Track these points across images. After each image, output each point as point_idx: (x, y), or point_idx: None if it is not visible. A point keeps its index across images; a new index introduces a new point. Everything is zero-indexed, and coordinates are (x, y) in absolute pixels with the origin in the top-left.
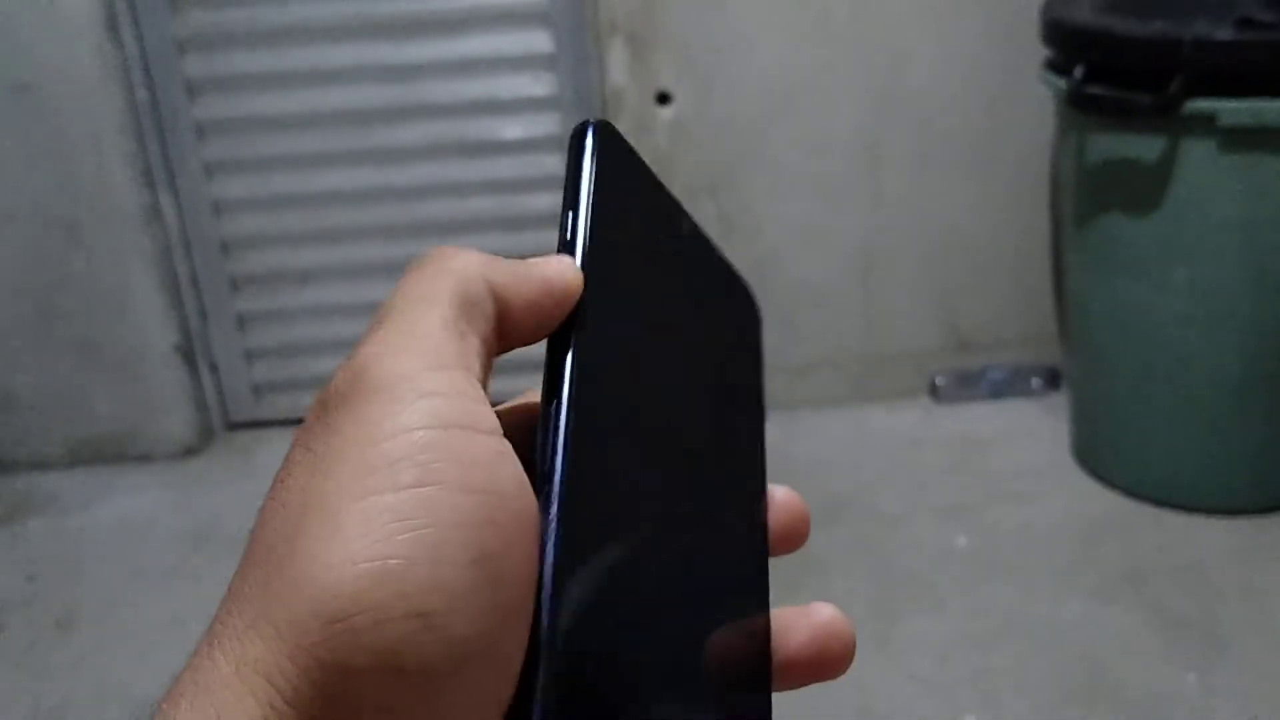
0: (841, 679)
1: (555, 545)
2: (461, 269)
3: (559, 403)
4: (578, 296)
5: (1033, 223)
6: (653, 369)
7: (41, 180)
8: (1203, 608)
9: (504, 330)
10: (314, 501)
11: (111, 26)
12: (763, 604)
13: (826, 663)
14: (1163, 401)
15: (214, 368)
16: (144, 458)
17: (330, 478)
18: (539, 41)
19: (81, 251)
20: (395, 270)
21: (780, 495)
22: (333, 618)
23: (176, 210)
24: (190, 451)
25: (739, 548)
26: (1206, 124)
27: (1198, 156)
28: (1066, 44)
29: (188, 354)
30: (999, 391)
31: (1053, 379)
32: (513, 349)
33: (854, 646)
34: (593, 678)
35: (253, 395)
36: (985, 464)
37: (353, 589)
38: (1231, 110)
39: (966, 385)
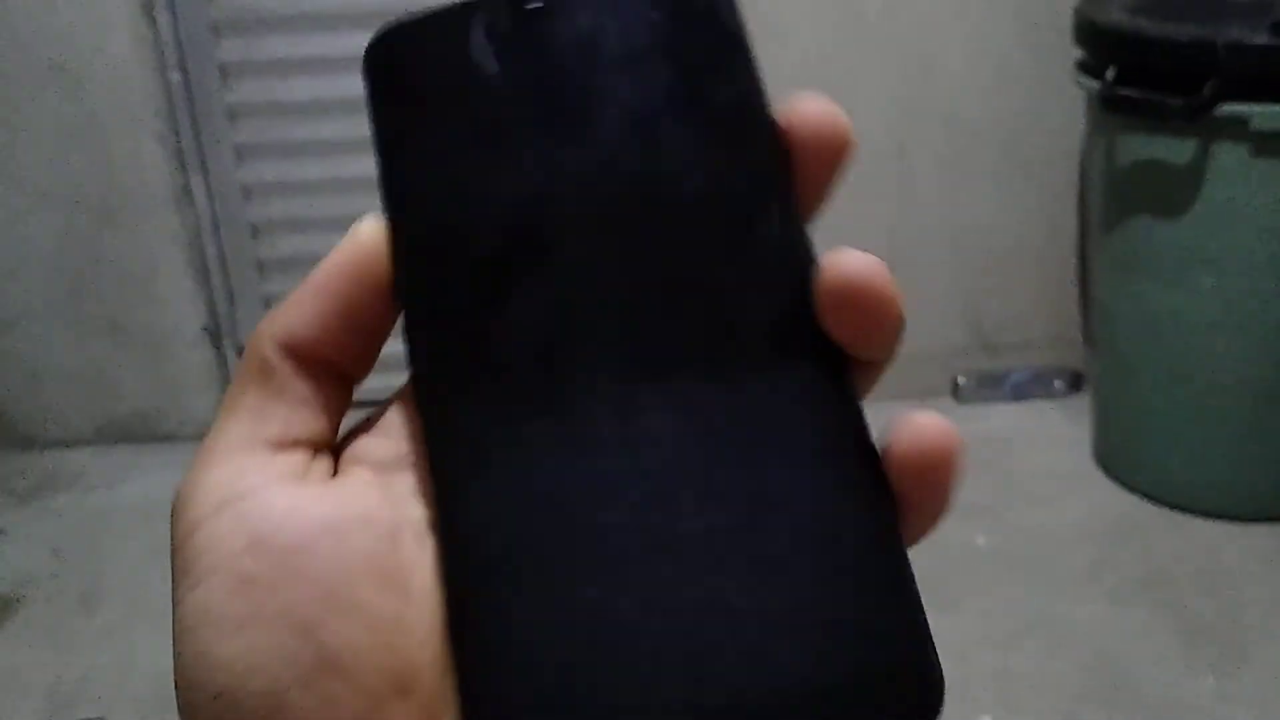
0: None
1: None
2: (250, 344)
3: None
4: (366, 263)
5: (1060, 225)
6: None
7: (74, 161)
8: (1222, 613)
9: (328, 364)
10: None
11: (147, 9)
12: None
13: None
14: (1186, 407)
15: (240, 350)
16: (170, 437)
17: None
18: None
19: (112, 232)
20: None
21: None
22: None
23: (207, 193)
24: None
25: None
26: (1239, 128)
27: (1229, 161)
28: (1099, 45)
29: (215, 336)
30: (1021, 393)
31: (1075, 382)
32: (368, 363)
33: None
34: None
35: None
36: (1006, 465)
37: (186, 706)
38: (1264, 115)
39: (989, 386)
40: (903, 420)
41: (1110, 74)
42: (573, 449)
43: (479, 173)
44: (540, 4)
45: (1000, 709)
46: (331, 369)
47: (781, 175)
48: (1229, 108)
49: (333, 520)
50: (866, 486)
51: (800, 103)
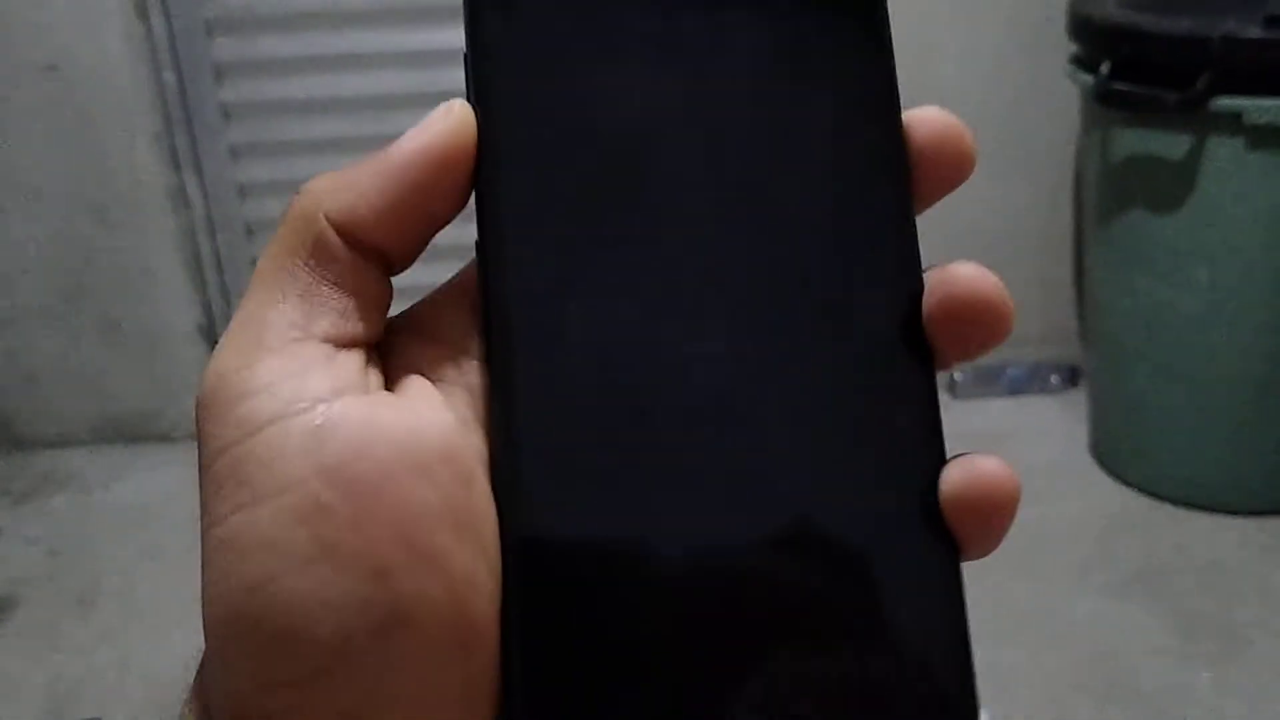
0: None
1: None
2: (296, 214)
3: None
4: (455, 152)
5: (1055, 219)
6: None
7: (69, 161)
8: (1219, 606)
9: (377, 251)
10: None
11: (140, 8)
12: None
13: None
14: (1182, 401)
15: None
16: (165, 437)
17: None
18: None
19: (107, 232)
20: None
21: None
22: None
23: (201, 192)
24: None
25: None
26: (1233, 122)
27: (1224, 155)
28: (1093, 40)
29: (210, 335)
30: (1018, 388)
31: (1072, 377)
32: (414, 254)
33: None
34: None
35: None
36: (1003, 460)
37: (217, 636)
38: (1259, 108)
39: (985, 381)
40: (966, 462)
41: (1105, 68)
42: (646, 388)
43: (589, 90)
44: None
45: (997, 702)
46: (382, 258)
47: (902, 178)
48: (1223, 102)
49: (412, 452)
50: (937, 524)
51: (925, 115)
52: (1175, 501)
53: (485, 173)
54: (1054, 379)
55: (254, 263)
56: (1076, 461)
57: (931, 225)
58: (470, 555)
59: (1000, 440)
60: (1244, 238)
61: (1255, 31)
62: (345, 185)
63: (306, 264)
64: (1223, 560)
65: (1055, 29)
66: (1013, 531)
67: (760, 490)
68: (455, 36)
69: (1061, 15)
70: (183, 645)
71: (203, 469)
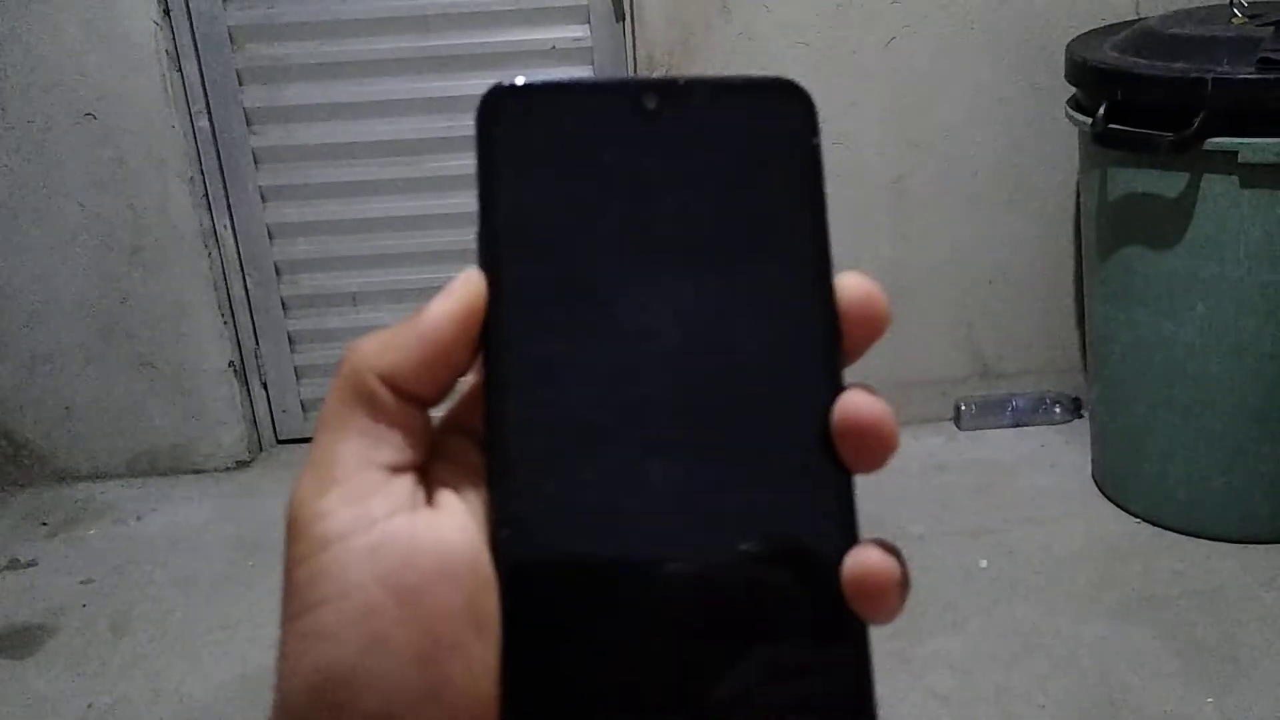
0: None
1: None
2: (350, 371)
3: (487, 421)
4: (473, 314)
5: (1057, 255)
6: (626, 302)
7: (106, 204)
8: (1221, 632)
9: (416, 397)
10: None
11: (174, 58)
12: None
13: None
14: (1182, 431)
15: (265, 385)
16: (197, 470)
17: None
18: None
19: (142, 272)
20: None
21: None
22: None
23: (233, 234)
24: (241, 464)
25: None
26: (1227, 161)
27: (1218, 193)
28: (1091, 83)
29: (241, 372)
30: (1022, 419)
31: (1075, 407)
32: (445, 395)
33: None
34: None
35: (302, 412)
36: (1007, 489)
37: (289, 702)
38: (1252, 147)
39: (990, 412)
40: (844, 399)
41: (1102, 110)
42: (618, 489)
43: (569, 257)
44: (653, 106)
45: None
46: (419, 400)
47: (830, 334)
48: (1218, 141)
49: (446, 563)
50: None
51: (848, 282)
52: (1176, 529)
53: (491, 330)
54: (1057, 410)
55: (284, 302)
56: (1079, 490)
57: (938, 260)
58: (485, 646)
59: (1005, 470)
60: (1239, 272)
61: (1248, 73)
62: (387, 347)
63: (361, 409)
64: (1223, 587)
65: (1054, 73)
66: (1017, 558)
67: (697, 535)
68: (474, 84)
69: (1060, 60)
70: (213, 671)
71: (285, 575)
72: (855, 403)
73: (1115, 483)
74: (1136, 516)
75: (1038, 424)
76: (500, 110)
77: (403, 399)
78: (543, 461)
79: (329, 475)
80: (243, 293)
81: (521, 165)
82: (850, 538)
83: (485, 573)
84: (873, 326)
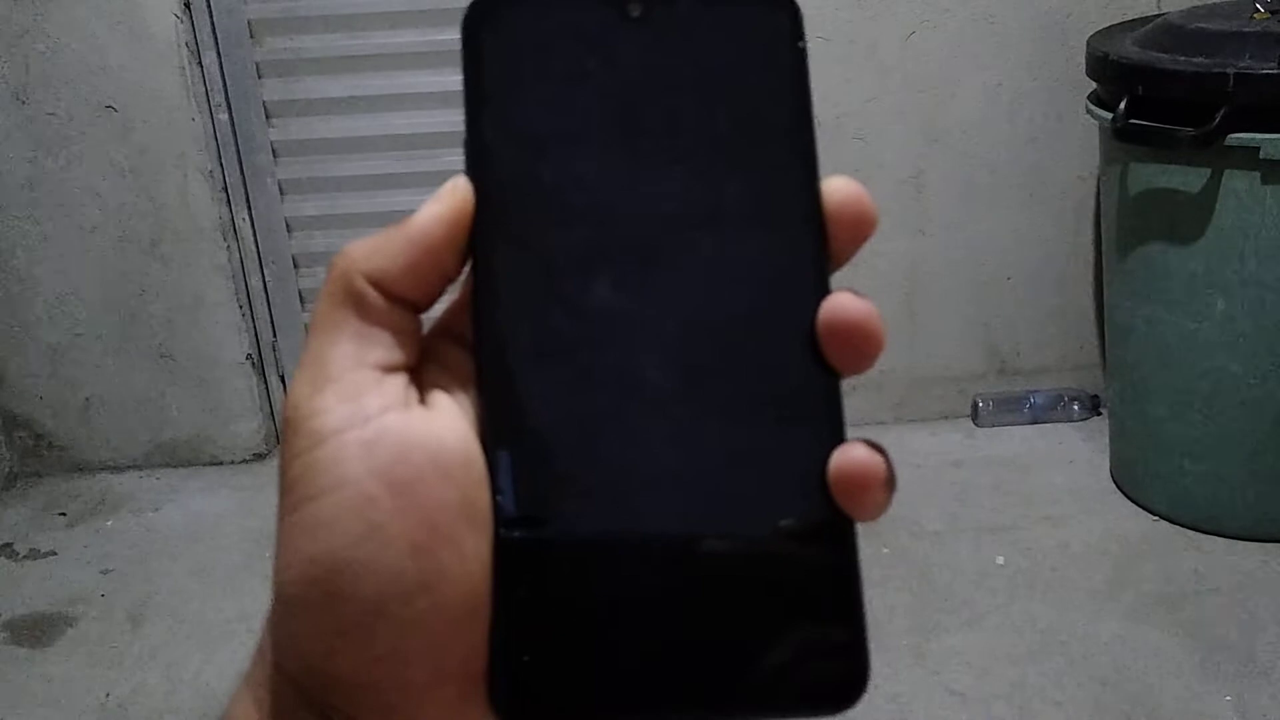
0: (879, 691)
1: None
2: (339, 274)
3: (475, 325)
4: (461, 219)
5: (1076, 252)
6: (615, 199)
7: (126, 197)
8: (1240, 631)
9: (406, 300)
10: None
11: (195, 51)
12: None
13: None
14: (1201, 429)
15: (283, 378)
16: (215, 462)
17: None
18: None
19: (161, 265)
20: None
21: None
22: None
23: (251, 227)
24: (258, 456)
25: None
26: (1249, 156)
27: (1239, 188)
28: (1112, 78)
29: (258, 364)
30: (1039, 416)
31: (1093, 405)
32: (435, 300)
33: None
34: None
35: None
36: (1025, 486)
37: (286, 594)
38: (1274, 143)
39: (1008, 409)
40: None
41: (1123, 105)
42: (603, 405)
43: (556, 162)
44: (638, 13)
45: None
46: (409, 304)
47: (815, 240)
48: (1239, 137)
49: (439, 458)
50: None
51: (834, 184)
52: (1195, 527)
53: (478, 235)
54: (1076, 407)
55: (301, 295)
56: (1098, 488)
57: (957, 256)
58: (479, 540)
59: (1022, 467)
60: (1259, 268)
61: (1270, 68)
62: (376, 250)
63: (351, 310)
64: (1242, 585)
65: (1075, 68)
66: (1035, 555)
67: (687, 486)
68: None
69: (1080, 55)
70: (230, 662)
71: (281, 471)
72: (841, 303)
73: (1134, 480)
74: (1155, 514)
75: (1056, 421)
76: (485, 19)
77: (392, 301)
78: (531, 365)
79: (323, 374)
80: (261, 285)
81: (507, 73)
82: (838, 437)
83: (478, 469)
84: (859, 228)
